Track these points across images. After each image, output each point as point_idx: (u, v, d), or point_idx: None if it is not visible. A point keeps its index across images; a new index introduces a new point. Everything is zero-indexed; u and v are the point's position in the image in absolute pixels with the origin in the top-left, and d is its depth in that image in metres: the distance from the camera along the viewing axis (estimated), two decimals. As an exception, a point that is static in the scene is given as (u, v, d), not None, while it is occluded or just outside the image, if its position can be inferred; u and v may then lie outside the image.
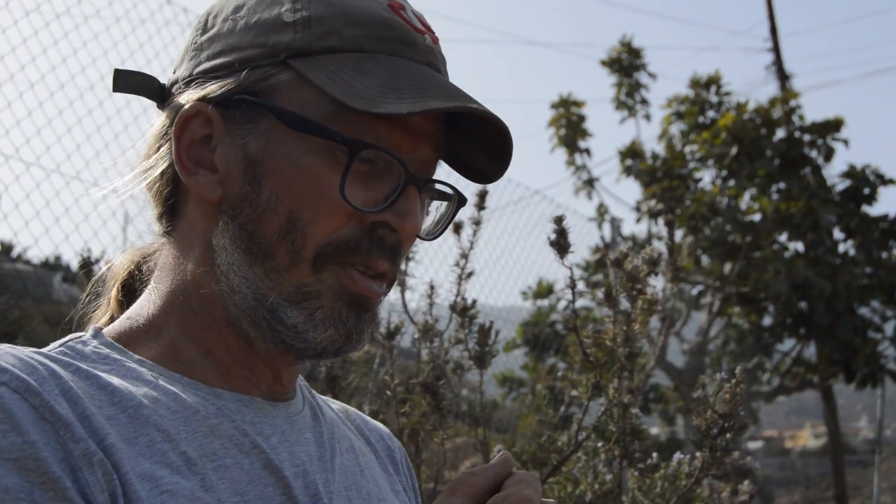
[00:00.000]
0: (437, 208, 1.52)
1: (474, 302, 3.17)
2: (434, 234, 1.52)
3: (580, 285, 2.92)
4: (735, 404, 2.58)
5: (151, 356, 1.36)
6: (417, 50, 1.39)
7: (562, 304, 16.00)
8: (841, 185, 14.44)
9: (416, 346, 3.26)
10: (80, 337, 1.37)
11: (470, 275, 3.36)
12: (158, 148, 1.43)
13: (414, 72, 1.35)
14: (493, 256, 11.08)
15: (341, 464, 1.48)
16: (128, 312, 1.43)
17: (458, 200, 1.51)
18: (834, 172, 20.47)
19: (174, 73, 1.46)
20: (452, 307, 3.16)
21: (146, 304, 1.42)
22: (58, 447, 1.12)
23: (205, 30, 1.44)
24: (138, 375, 1.31)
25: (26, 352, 1.22)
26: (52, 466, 1.10)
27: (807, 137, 14.35)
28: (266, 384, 1.42)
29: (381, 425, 1.76)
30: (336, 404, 1.71)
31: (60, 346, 1.33)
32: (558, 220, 2.78)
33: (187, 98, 1.39)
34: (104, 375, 1.26)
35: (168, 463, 1.21)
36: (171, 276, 1.42)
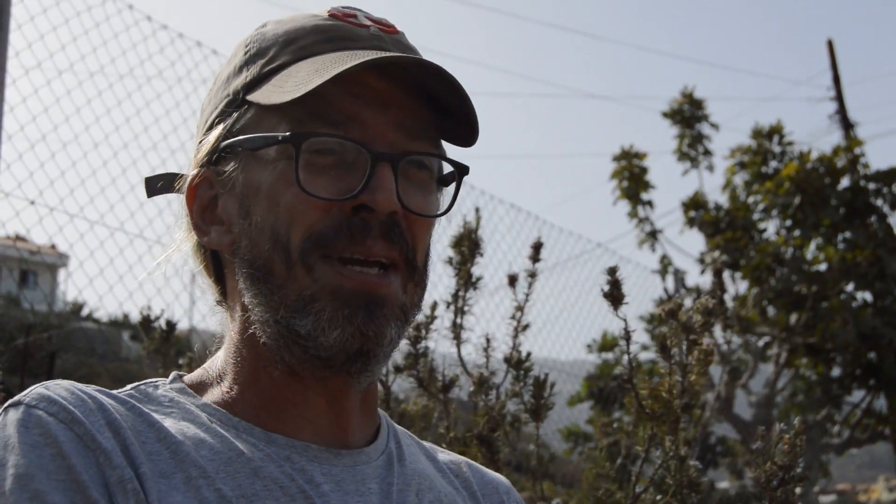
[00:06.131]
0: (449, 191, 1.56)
1: (528, 355, 3.16)
2: (442, 211, 1.53)
3: (645, 338, 2.93)
4: (795, 455, 2.54)
5: (217, 401, 1.47)
6: (360, 40, 1.48)
7: (625, 357, 15.81)
8: (908, 234, 14.23)
9: (472, 400, 3.26)
10: (156, 382, 1.50)
11: (525, 328, 3.36)
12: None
13: (341, 58, 1.42)
14: (555, 310, 11.06)
15: None
16: (206, 364, 1.56)
17: (459, 170, 1.53)
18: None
19: None
20: (507, 360, 3.16)
21: (218, 356, 1.55)
22: (98, 473, 1.24)
23: (201, 112, 1.63)
24: (195, 418, 1.41)
25: (85, 388, 1.36)
26: (91, 490, 1.22)
27: (872, 186, 14.17)
28: (327, 427, 1.47)
29: (501, 479, 1.77)
30: (447, 456, 1.75)
31: (133, 388, 1.47)
32: (611, 272, 2.78)
33: (190, 172, 1.57)
34: (157, 416, 1.38)
35: (201, 498, 1.29)
36: (228, 334, 1.54)
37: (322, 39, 1.47)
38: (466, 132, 1.50)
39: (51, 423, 1.26)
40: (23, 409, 1.29)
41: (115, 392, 1.41)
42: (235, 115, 1.49)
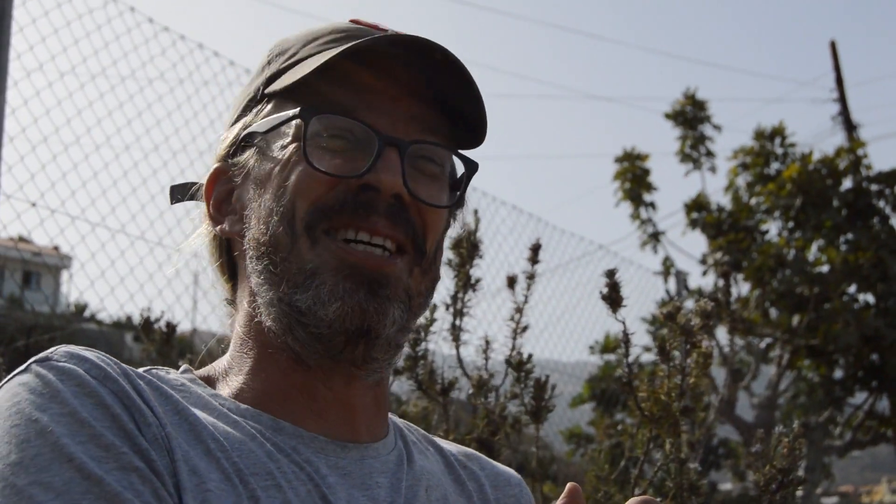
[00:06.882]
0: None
1: (530, 356, 3.16)
2: (450, 203, 1.56)
3: (647, 340, 2.93)
4: (794, 459, 2.54)
5: (225, 392, 1.48)
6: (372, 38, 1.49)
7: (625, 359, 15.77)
8: (911, 236, 14.20)
9: (471, 402, 3.25)
10: (167, 369, 1.51)
11: (525, 329, 3.36)
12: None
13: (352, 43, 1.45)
14: (557, 311, 11.05)
15: None
16: (213, 363, 1.57)
17: (468, 167, 1.56)
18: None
19: None
20: (507, 362, 3.16)
21: (224, 356, 1.56)
22: (136, 427, 1.25)
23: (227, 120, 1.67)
24: (206, 404, 1.42)
25: (105, 354, 1.36)
26: (138, 438, 1.24)
27: (874, 187, 14.15)
28: (336, 422, 1.47)
29: (512, 473, 1.78)
30: (456, 448, 1.75)
31: (144, 371, 1.44)
32: (610, 274, 2.77)
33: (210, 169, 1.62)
34: (173, 393, 1.38)
35: (221, 468, 1.30)
36: (235, 329, 1.55)
37: (342, 36, 1.51)
38: (473, 129, 1.55)
39: (84, 376, 1.26)
40: (53, 363, 1.29)
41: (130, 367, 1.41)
42: (255, 109, 1.56)
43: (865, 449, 15.44)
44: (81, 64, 5.99)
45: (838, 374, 14.40)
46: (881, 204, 14.15)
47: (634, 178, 14.85)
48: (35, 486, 1.14)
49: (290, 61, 1.53)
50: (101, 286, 6.18)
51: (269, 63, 1.58)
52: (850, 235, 13.84)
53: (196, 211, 1.69)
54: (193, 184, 1.70)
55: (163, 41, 6.52)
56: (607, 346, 16.10)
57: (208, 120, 6.69)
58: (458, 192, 1.56)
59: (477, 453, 1.77)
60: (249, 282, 1.49)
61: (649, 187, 14.90)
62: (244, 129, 1.55)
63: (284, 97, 1.51)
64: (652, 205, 14.96)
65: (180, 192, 1.72)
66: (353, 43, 1.41)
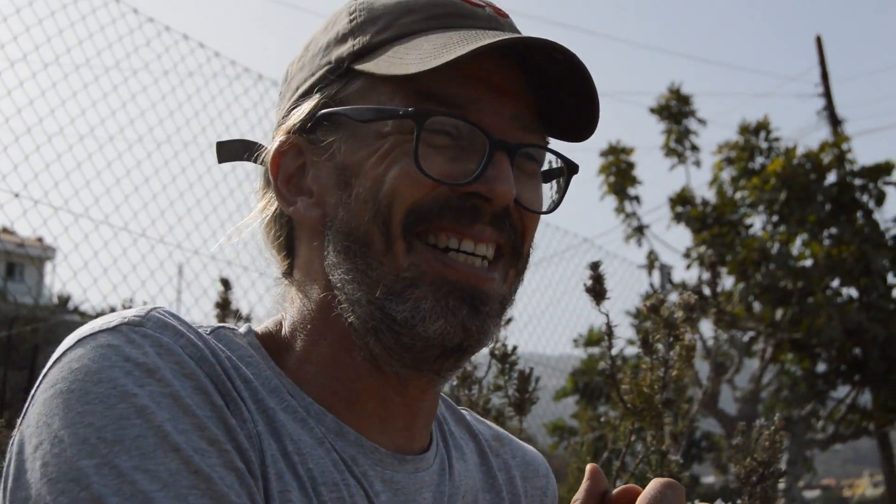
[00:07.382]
0: (551, 186, 1.50)
1: (514, 348, 3.16)
2: (550, 208, 1.49)
3: (631, 333, 2.94)
4: (775, 451, 2.55)
5: (290, 372, 1.38)
6: (477, 19, 1.41)
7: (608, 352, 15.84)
8: (894, 230, 14.28)
9: (455, 393, 3.25)
10: (232, 328, 1.40)
11: (509, 321, 3.35)
12: (267, 196, 1.50)
13: (469, 35, 1.33)
14: (541, 305, 11.06)
15: None
16: (269, 324, 1.47)
17: (569, 168, 1.48)
18: (886, 217, 20.22)
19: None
20: (492, 353, 3.16)
21: (281, 324, 1.45)
22: (233, 420, 1.18)
23: (285, 79, 1.53)
24: (275, 388, 1.34)
25: (191, 325, 1.26)
26: (239, 434, 1.17)
27: (858, 182, 14.22)
28: (399, 429, 1.42)
29: (541, 460, 1.75)
30: (488, 430, 1.71)
31: (213, 332, 1.36)
32: (594, 267, 2.78)
33: (277, 139, 1.46)
34: (251, 377, 1.31)
35: (297, 475, 1.25)
36: (300, 310, 1.43)
37: (440, 14, 1.40)
38: (580, 127, 1.43)
39: (182, 354, 1.19)
40: (148, 332, 1.19)
41: (203, 332, 1.31)
42: (338, 84, 1.41)
43: (847, 442, 15.52)
44: (65, 54, 5.99)
45: (821, 367, 14.48)
46: (864, 198, 14.22)
47: (619, 172, 14.89)
48: (139, 472, 1.07)
49: (383, 36, 1.40)
50: (85, 277, 6.16)
51: (352, 31, 1.42)
52: (833, 230, 13.91)
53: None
54: (242, 141, 1.58)
55: (147, 32, 6.52)
56: (591, 340, 16.15)
57: (193, 111, 6.69)
58: (560, 197, 1.49)
59: (507, 435, 1.73)
60: (328, 272, 1.38)
61: (634, 181, 14.95)
62: (324, 105, 1.40)
63: (379, 78, 1.36)
64: (637, 198, 15.01)
65: (228, 150, 1.59)
66: (484, 44, 1.27)
